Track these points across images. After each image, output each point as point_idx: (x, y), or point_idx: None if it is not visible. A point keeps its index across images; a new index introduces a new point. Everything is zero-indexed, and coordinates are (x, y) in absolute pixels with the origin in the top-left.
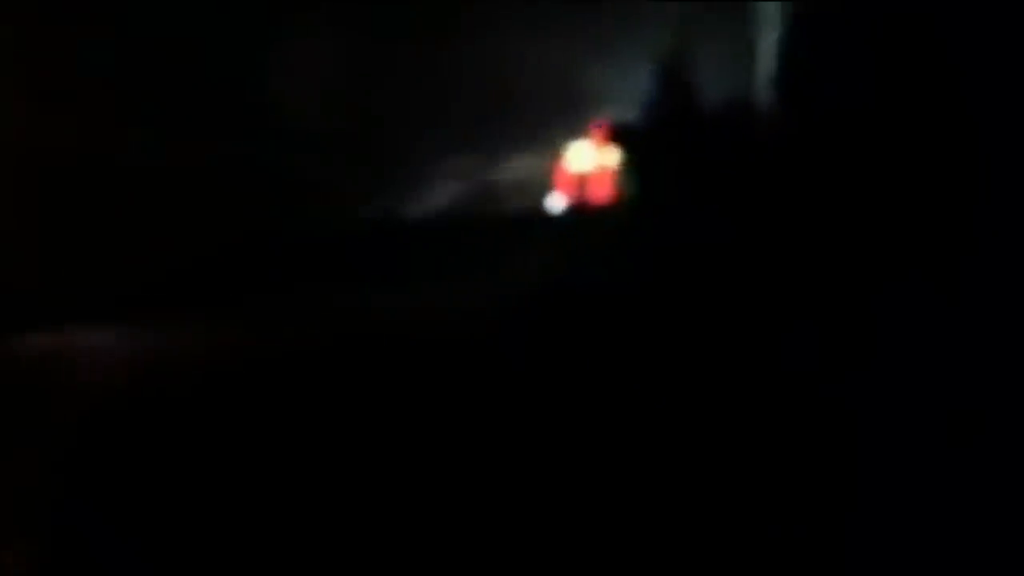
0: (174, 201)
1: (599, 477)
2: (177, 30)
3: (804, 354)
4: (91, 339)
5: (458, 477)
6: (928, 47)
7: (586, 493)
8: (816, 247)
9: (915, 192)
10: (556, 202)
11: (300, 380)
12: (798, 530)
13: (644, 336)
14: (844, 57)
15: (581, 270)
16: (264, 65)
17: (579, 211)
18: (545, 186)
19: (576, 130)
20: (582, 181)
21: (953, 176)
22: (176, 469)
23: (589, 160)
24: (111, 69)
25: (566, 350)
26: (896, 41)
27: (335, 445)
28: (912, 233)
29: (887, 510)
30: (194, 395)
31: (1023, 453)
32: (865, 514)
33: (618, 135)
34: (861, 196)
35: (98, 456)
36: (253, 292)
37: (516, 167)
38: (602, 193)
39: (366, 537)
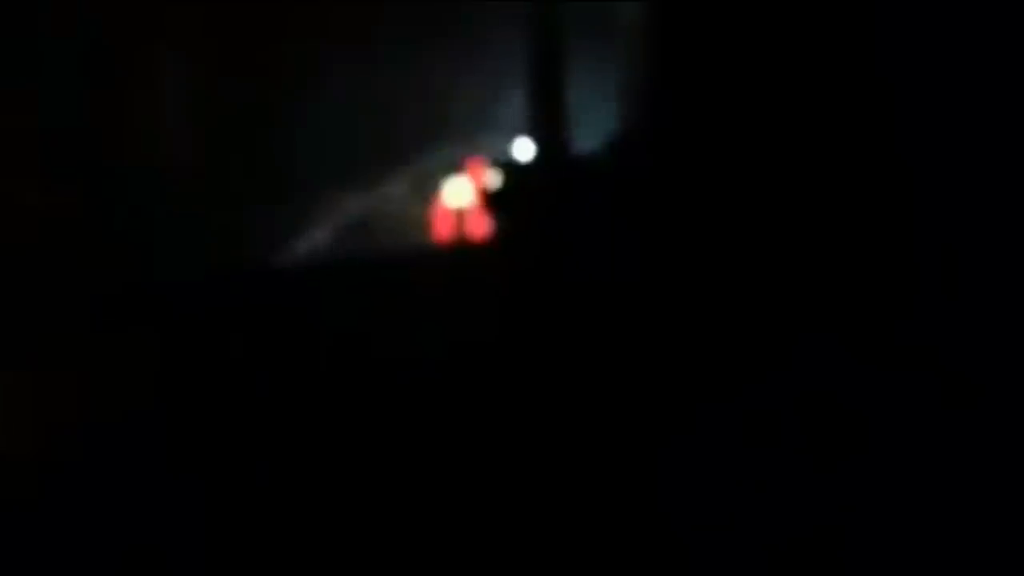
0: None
1: None
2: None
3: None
4: None
5: None
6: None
7: None
8: (712, 288)
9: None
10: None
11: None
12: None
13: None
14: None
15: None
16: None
17: (460, 248)
18: (423, 223)
19: (452, 164)
20: (460, 217)
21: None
22: None
23: (467, 195)
24: None
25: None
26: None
27: None
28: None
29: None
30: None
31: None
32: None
33: (494, 167)
34: (759, 237)
35: None
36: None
37: (393, 204)
38: (481, 228)
39: None
